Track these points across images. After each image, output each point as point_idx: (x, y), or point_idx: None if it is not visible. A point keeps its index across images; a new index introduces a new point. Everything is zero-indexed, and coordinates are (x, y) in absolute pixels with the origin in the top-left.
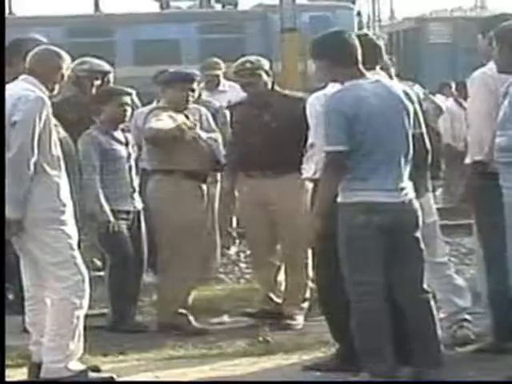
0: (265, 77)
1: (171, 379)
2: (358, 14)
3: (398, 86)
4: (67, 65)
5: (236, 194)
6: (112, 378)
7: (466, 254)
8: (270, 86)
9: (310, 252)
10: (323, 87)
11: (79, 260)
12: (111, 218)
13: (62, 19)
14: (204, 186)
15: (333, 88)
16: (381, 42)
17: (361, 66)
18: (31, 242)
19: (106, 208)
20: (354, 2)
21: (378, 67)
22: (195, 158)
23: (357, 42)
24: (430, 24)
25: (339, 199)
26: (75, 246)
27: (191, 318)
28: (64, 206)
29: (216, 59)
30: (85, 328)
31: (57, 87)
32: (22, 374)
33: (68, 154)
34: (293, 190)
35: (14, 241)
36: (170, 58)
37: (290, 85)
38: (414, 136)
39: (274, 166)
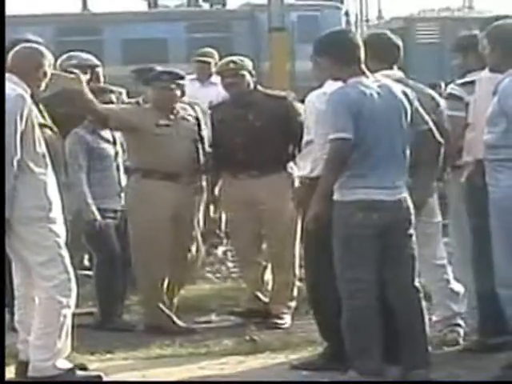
0: (248, 77)
1: (158, 378)
2: (346, 13)
3: (397, 87)
4: (49, 62)
5: (216, 193)
6: (99, 376)
7: None
8: (252, 85)
9: (296, 251)
10: (318, 87)
11: (66, 259)
12: (97, 217)
13: (49, 18)
14: (179, 186)
15: (331, 86)
16: (399, 42)
17: (363, 66)
18: (18, 241)
19: (92, 206)
20: (342, 2)
21: (395, 66)
22: (169, 158)
23: (360, 42)
24: (418, 24)
25: (336, 197)
26: (63, 244)
27: (175, 318)
28: (51, 203)
29: (211, 49)
30: (72, 326)
31: (42, 84)
32: (9, 372)
33: (55, 152)
34: (278, 189)
35: (7, 241)
36: (158, 57)
37: (278, 84)
38: (422, 133)
39: (259, 165)
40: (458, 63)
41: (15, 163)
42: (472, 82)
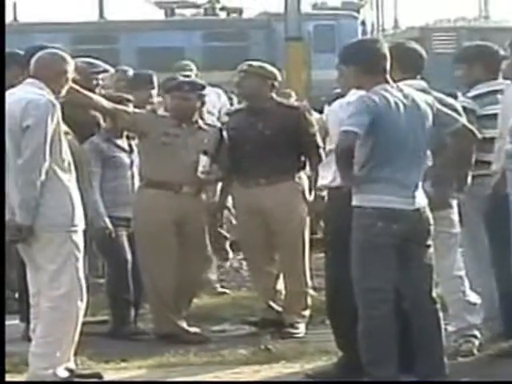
0: (258, 82)
1: None
2: (362, 23)
3: (420, 96)
4: (72, 68)
5: (227, 202)
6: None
7: None
8: (266, 93)
9: (306, 259)
10: (340, 96)
11: (79, 268)
12: (109, 225)
13: (66, 26)
14: (181, 196)
15: (354, 96)
16: (423, 52)
17: (387, 76)
18: (38, 249)
19: (104, 215)
20: (358, 11)
21: (418, 76)
22: (172, 168)
23: (387, 51)
24: (434, 33)
25: (355, 202)
26: (78, 253)
27: (186, 326)
28: (74, 210)
29: (187, 62)
30: (87, 334)
31: (63, 91)
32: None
33: (77, 158)
34: (286, 198)
35: (20, 247)
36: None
37: (295, 94)
38: (456, 131)
39: (267, 174)
40: (461, 74)
41: (43, 171)
42: (483, 95)
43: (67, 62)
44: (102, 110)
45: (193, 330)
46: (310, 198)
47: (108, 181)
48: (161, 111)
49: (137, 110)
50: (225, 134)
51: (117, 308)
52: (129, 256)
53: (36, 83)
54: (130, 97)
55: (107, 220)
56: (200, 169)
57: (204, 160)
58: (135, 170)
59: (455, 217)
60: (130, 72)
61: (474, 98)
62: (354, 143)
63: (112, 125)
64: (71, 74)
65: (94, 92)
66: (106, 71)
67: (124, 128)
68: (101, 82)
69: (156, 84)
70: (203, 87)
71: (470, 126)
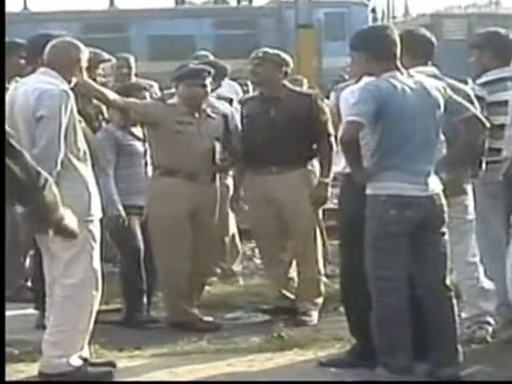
0: (272, 70)
1: (185, 376)
2: (373, 10)
3: (431, 82)
4: (86, 57)
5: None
6: (110, 372)
7: None
8: (279, 80)
9: (319, 247)
10: (338, 82)
11: (94, 256)
12: (122, 213)
13: (76, 15)
14: (196, 185)
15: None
16: (433, 38)
17: (397, 62)
18: (52, 237)
19: (118, 203)
20: None
21: (429, 62)
22: (187, 157)
23: (397, 38)
24: (445, 20)
25: (369, 191)
26: (93, 242)
27: (199, 314)
28: (90, 199)
29: (205, 52)
30: (100, 323)
31: (74, 79)
32: (34, 368)
33: (91, 146)
34: (297, 185)
35: (38, 237)
36: (185, 54)
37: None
38: (467, 120)
39: (278, 161)
40: (473, 61)
41: (59, 161)
42: (493, 81)
43: (81, 51)
44: (113, 104)
45: (206, 317)
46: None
47: (122, 169)
48: (171, 100)
49: (146, 101)
50: (232, 120)
51: (130, 296)
52: (141, 244)
53: (49, 72)
54: (146, 84)
55: (121, 208)
56: (218, 156)
57: (218, 147)
58: (148, 158)
59: (470, 203)
60: (132, 59)
61: (484, 84)
62: (357, 133)
63: (122, 117)
64: (85, 63)
65: (95, 81)
66: (108, 60)
67: (136, 120)
68: (101, 71)
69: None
70: (210, 73)
71: (480, 116)
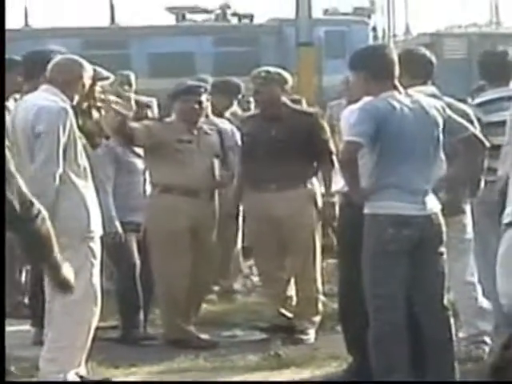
0: (276, 89)
1: None
2: (374, 29)
3: (429, 101)
4: (89, 74)
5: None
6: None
7: None
8: (281, 99)
9: (318, 265)
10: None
11: (94, 274)
12: (119, 230)
13: (77, 31)
14: (197, 202)
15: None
16: (433, 58)
17: (396, 81)
18: None
19: (115, 219)
20: (369, 17)
21: (429, 82)
22: (189, 174)
23: (395, 58)
24: (445, 39)
25: (366, 210)
26: (93, 258)
27: (196, 332)
28: (89, 216)
29: (204, 76)
30: (97, 339)
31: (77, 96)
32: None
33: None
34: (297, 204)
35: None
36: (185, 71)
37: (305, 99)
38: (465, 139)
39: (279, 179)
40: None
41: (57, 176)
42: (489, 102)
43: (83, 68)
44: (124, 135)
45: (203, 335)
46: (321, 203)
47: (121, 185)
48: (169, 119)
49: (146, 122)
50: (232, 138)
51: (126, 313)
52: (137, 261)
53: (50, 89)
54: (144, 97)
55: (118, 225)
56: (217, 173)
57: (217, 164)
58: (147, 175)
59: (468, 222)
60: (132, 76)
61: (480, 104)
62: (356, 153)
63: (129, 144)
64: (88, 80)
65: (94, 98)
66: (107, 78)
67: (139, 145)
68: (99, 88)
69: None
70: (206, 90)
71: (479, 135)
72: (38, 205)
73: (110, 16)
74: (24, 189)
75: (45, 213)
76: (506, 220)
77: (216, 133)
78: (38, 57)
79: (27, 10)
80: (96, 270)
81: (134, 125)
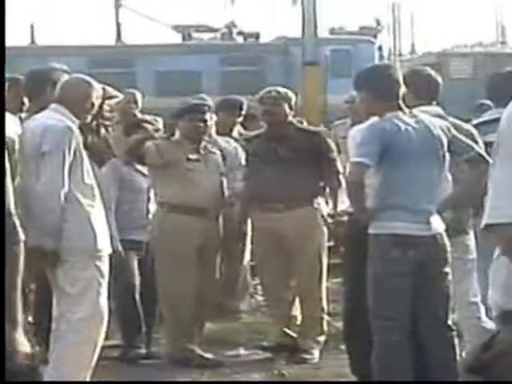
0: (287, 109)
1: None
2: (379, 48)
3: (434, 121)
4: (97, 93)
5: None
6: None
7: None
8: (289, 118)
9: (323, 285)
10: (358, 122)
11: (102, 295)
12: (120, 249)
13: (83, 49)
14: (205, 220)
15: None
16: (439, 78)
17: (400, 101)
18: (62, 272)
19: (116, 239)
20: (375, 36)
21: (434, 102)
22: (198, 193)
23: (400, 78)
24: (451, 59)
25: (371, 230)
26: (101, 278)
27: (200, 351)
28: (96, 235)
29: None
30: (100, 358)
31: (88, 116)
32: None
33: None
34: (304, 223)
35: (48, 272)
36: (191, 90)
37: (311, 118)
38: (471, 159)
39: (285, 199)
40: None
41: (62, 196)
42: (488, 122)
43: (92, 87)
44: (137, 156)
45: (207, 354)
46: (330, 222)
47: (123, 203)
48: (175, 138)
49: (156, 142)
50: (236, 158)
51: (127, 332)
52: (137, 280)
53: (59, 108)
54: (152, 119)
55: (119, 244)
56: (226, 192)
57: (225, 182)
58: (152, 194)
59: (471, 243)
60: (138, 95)
61: (478, 125)
62: (363, 174)
63: (138, 163)
64: (97, 99)
65: (102, 117)
66: (115, 97)
67: (152, 163)
68: (107, 107)
69: None
70: (210, 108)
71: (484, 155)
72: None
73: (116, 34)
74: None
75: (21, 246)
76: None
77: (219, 152)
78: (39, 75)
79: (33, 27)
80: (103, 289)
81: (146, 145)
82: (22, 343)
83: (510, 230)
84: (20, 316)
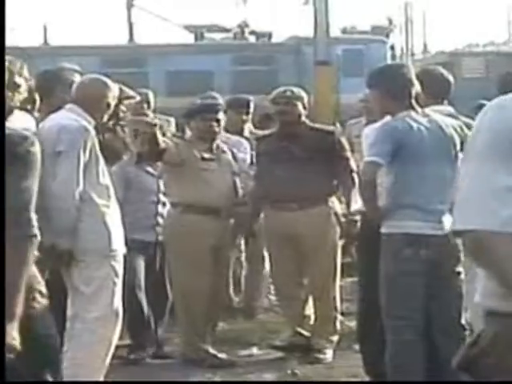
0: (300, 108)
1: None
2: (392, 47)
3: (447, 121)
4: (113, 94)
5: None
6: None
7: None
8: (303, 118)
9: (337, 284)
10: (373, 121)
11: (116, 294)
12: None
13: (96, 49)
14: (220, 220)
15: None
16: (450, 78)
17: (413, 101)
18: (77, 272)
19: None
20: (387, 36)
21: (445, 102)
22: (212, 193)
23: (413, 77)
24: (463, 58)
25: (383, 229)
26: (117, 279)
27: (214, 351)
28: (110, 235)
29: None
30: (112, 358)
31: (105, 116)
32: None
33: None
34: (318, 222)
35: (63, 272)
36: (203, 90)
37: (323, 118)
38: None
39: (300, 198)
40: None
41: (77, 195)
42: None
43: (108, 87)
44: (157, 150)
45: (220, 354)
46: (343, 221)
47: (130, 203)
48: (187, 137)
49: (176, 140)
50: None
51: (135, 332)
52: (139, 280)
53: (74, 109)
54: (162, 116)
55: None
56: (240, 191)
57: (238, 182)
58: (161, 195)
59: None
60: (151, 95)
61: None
62: (375, 174)
63: (156, 160)
64: (113, 100)
65: (118, 116)
66: (133, 97)
67: (167, 163)
68: (124, 108)
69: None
70: (219, 106)
71: None
72: (35, 228)
73: (129, 34)
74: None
75: (36, 241)
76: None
77: (229, 150)
78: (50, 76)
79: (46, 27)
80: (118, 289)
81: (166, 140)
82: (13, 337)
83: (478, 237)
84: (20, 309)
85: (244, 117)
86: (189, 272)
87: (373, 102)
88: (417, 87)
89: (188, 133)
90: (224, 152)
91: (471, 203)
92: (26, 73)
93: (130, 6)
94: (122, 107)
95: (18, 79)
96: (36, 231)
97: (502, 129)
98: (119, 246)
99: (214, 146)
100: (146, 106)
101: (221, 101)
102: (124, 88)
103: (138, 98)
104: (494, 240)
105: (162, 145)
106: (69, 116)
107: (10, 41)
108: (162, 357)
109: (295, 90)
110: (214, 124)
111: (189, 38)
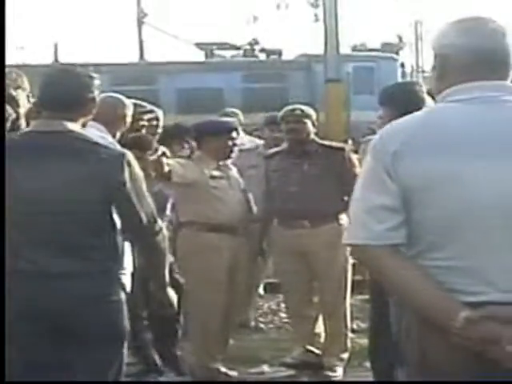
0: (309, 126)
1: None
2: (402, 65)
3: None
4: (130, 112)
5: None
6: None
7: None
8: (312, 136)
9: (347, 302)
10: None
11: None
12: None
13: (106, 67)
14: (234, 237)
15: None
16: None
17: None
18: None
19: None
20: (397, 53)
21: None
22: (225, 210)
23: (425, 94)
24: None
25: None
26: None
27: (224, 369)
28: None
29: (233, 109)
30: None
31: (118, 133)
32: None
33: None
34: (330, 240)
35: None
36: (214, 107)
37: (334, 135)
38: None
39: (311, 216)
40: None
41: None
42: None
43: (127, 107)
44: (163, 174)
45: (230, 372)
46: None
47: None
48: (196, 155)
49: (181, 162)
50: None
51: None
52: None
53: (97, 125)
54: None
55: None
56: (254, 208)
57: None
58: (168, 213)
59: None
60: (160, 113)
61: None
62: None
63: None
64: (129, 118)
65: (138, 131)
66: (151, 112)
67: (176, 184)
68: (146, 123)
69: None
70: (236, 128)
71: None
72: (160, 223)
73: (139, 52)
74: (152, 205)
75: (165, 232)
76: None
77: (234, 166)
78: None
79: (57, 46)
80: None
81: (170, 162)
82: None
83: (358, 250)
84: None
85: (278, 134)
86: (206, 290)
87: (385, 119)
88: (429, 105)
89: (198, 150)
90: (230, 169)
91: (351, 220)
92: (25, 84)
93: (140, 23)
94: (144, 122)
95: (13, 92)
96: (161, 224)
97: (380, 156)
98: (127, 264)
99: (224, 163)
100: (155, 123)
101: (241, 117)
102: (140, 103)
103: (156, 112)
104: (370, 252)
105: (166, 169)
106: (93, 132)
107: (20, 59)
108: (170, 373)
109: (304, 108)
110: (230, 143)
111: (199, 56)
